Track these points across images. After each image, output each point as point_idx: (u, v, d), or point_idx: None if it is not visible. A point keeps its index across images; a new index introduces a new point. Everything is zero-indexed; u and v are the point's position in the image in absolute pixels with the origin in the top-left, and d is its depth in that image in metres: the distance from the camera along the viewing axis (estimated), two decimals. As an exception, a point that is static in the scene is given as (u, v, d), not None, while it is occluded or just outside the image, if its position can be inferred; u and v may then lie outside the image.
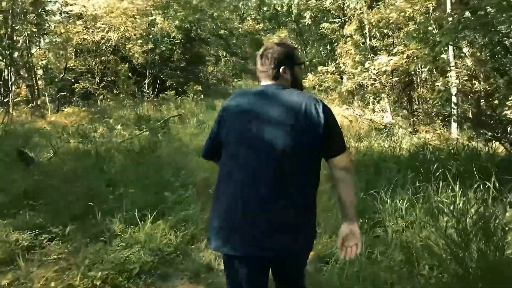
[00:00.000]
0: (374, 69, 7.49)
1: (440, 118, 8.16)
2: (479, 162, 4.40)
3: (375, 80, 10.25)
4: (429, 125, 8.98)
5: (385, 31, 10.97)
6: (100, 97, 13.11)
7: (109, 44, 15.53)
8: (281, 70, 1.90)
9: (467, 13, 6.99)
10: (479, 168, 4.34)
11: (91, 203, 3.93)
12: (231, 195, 1.77)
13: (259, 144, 1.76)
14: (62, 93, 13.31)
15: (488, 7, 6.25)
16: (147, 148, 6.15)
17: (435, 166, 4.10)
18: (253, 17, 29.70)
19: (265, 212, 1.72)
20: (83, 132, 8.11)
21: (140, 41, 16.78)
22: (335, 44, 15.83)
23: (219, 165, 1.90)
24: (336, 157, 1.80)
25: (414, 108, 9.21)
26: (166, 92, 14.12)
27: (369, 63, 7.92)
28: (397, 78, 8.42)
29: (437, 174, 4.22)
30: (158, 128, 7.71)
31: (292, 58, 1.96)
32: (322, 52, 20.04)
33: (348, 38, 11.52)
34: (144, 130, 7.51)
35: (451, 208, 3.02)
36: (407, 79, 8.77)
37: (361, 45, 11.23)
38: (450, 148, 6.18)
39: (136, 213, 3.87)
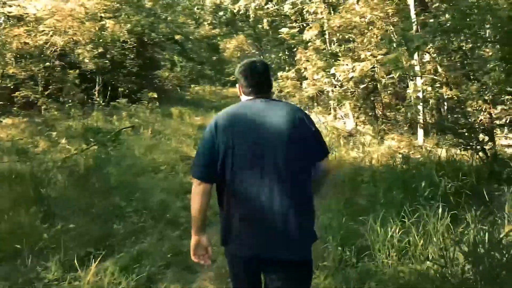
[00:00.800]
0: (340, 75, 7.14)
1: (407, 125, 7.95)
2: (466, 177, 4.07)
3: (337, 86, 9.97)
4: (394, 132, 8.78)
5: (347, 36, 10.76)
6: (43, 106, 11.90)
7: (54, 49, 14.33)
8: (271, 82, 2.07)
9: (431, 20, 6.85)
10: (466, 183, 4.01)
11: (19, 245, 3.17)
12: (248, 208, 1.84)
13: (266, 157, 1.83)
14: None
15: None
16: (94, 166, 5.37)
17: (423, 183, 3.69)
18: (209, 21, 29.09)
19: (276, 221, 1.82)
20: (21, 148, 7.14)
21: (89, 46, 15.70)
22: (295, 49, 15.53)
23: (219, 186, 1.92)
24: (322, 161, 1.98)
25: (378, 114, 8.98)
26: (117, 100, 13.11)
27: (335, 69, 7.58)
28: (364, 85, 8.12)
29: (425, 190, 3.85)
30: (108, 141, 6.89)
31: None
32: (281, 58, 19.75)
33: (310, 43, 11.19)
34: (92, 144, 6.68)
35: (464, 239, 2.59)
36: (371, 85, 8.50)
37: (322, 50, 10.94)
38: (428, 157, 5.91)
39: (78, 254, 3.17)
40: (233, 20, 26.85)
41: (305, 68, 11.56)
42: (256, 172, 1.81)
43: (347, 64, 7.13)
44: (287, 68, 18.26)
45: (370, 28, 9.39)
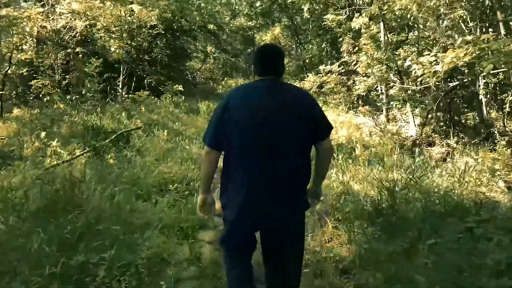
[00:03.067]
0: (419, 68, 5.23)
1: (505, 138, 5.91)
2: None
3: (399, 82, 8.02)
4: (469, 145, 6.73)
5: (411, 22, 8.75)
6: (45, 98, 10.47)
7: (73, 34, 13.03)
8: (283, 65, 2.21)
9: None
10: None
11: None
12: (251, 181, 2.00)
13: (274, 133, 1.98)
14: (6, 92, 10.74)
15: None
16: (69, 190, 3.73)
17: None
18: (245, 12, 27.38)
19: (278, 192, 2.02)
20: (1, 151, 5.71)
21: (115, 33, 14.41)
22: (341, 39, 13.53)
23: (226, 157, 2.10)
24: (326, 139, 2.12)
25: (455, 122, 6.92)
26: (136, 93, 11.55)
27: (410, 60, 5.65)
28: (455, 82, 6.10)
29: None
30: (107, 146, 5.31)
31: None
32: (324, 49, 17.69)
33: (363, 30, 9.22)
34: (85, 151, 5.10)
35: None
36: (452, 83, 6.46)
37: (380, 39, 8.97)
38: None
39: None
40: (270, 11, 25.01)
41: (357, 61, 9.63)
42: (259, 146, 1.97)
43: (428, 54, 5.19)
44: (329, 61, 16.27)
45: (444, 12, 7.36)
